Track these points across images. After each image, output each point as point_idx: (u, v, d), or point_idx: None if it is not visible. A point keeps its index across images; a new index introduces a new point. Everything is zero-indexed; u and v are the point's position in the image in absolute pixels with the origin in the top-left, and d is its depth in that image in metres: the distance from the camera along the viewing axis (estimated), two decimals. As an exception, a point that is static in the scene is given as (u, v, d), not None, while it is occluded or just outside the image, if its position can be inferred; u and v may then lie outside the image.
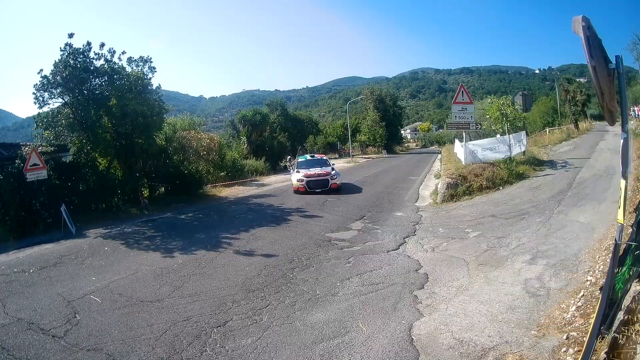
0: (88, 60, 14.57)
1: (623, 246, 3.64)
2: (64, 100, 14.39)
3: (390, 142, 54.37)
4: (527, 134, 18.05)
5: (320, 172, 16.04)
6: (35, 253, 9.33)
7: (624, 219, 3.14)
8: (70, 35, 14.40)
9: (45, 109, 14.38)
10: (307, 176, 15.82)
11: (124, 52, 15.47)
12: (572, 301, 4.65)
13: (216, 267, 7.13)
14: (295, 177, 16.31)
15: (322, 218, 10.72)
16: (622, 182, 3.09)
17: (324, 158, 19.13)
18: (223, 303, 5.45)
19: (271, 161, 33.93)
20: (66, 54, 14.24)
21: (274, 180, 23.33)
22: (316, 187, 15.50)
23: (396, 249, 7.50)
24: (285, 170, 32.54)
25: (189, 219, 12.27)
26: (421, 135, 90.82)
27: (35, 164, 12.55)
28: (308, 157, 19.73)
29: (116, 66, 15.03)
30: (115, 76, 14.77)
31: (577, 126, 35.00)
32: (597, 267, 5.50)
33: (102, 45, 14.97)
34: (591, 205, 9.22)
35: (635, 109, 28.50)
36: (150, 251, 8.58)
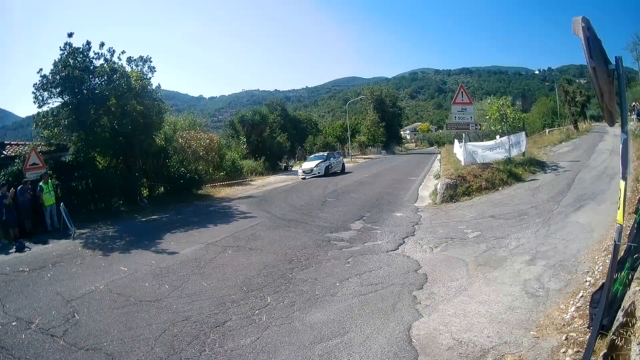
0: (87, 59, 14.57)
1: (623, 247, 3.65)
2: (63, 99, 14.36)
3: (390, 142, 54.42)
4: (526, 135, 18.06)
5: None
6: (34, 252, 9.32)
7: (623, 220, 3.14)
8: (70, 35, 14.39)
9: (45, 108, 14.33)
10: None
11: (123, 52, 15.48)
12: (571, 302, 4.65)
13: (215, 267, 7.12)
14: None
15: (321, 218, 10.72)
16: (622, 183, 3.09)
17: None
18: (222, 303, 5.45)
19: (271, 161, 33.87)
20: (66, 53, 14.23)
21: (273, 181, 23.32)
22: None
23: (395, 249, 7.50)
24: (285, 170, 32.67)
25: (188, 219, 12.26)
26: (420, 135, 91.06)
27: (34, 164, 12.57)
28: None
29: (116, 66, 15.02)
30: (115, 76, 14.75)
31: (576, 127, 35.05)
32: (597, 268, 5.50)
33: (102, 44, 14.97)
34: (590, 206, 9.23)
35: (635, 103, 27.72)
36: (149, 251, 8.58)
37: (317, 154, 26.85)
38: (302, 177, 22.65)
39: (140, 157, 16.62)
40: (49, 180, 12.35)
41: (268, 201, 14.61)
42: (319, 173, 22.57)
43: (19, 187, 11.60)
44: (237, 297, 5.64)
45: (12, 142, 17.18)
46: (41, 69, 14.04)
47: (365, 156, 46.23)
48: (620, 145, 3.11)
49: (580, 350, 3.58)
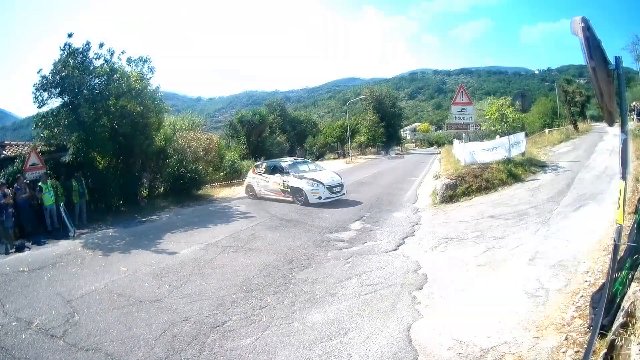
0: (87, 60, 14.54)
1: (622, 247, 3.65)
2: (63, 100, 14.34)
3: (390, 142, 54.45)
4: (526, 135, 18.06)
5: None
6: (34, 253, 9.32)
7: (623, 220, 3.15)
8: (70, 35, 14.37)
9: (45, 108, 14.29)
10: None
11: (123, 52, 15.45)
12: (571, 302, 4.66)
13: (215, 267, 7.12)
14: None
15: (321, 218, 10.72)
16: (621, 183, 3.09)
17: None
18: (222, 303, 5.45)
19: (270, 161, 33.83)
20: (65, 53, 14.21)
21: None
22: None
23: (395, 250, 7.51)
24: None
25: (188, 219, 12.26)
26: (420, 135, 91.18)
27: (34, 164, 12.57)
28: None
29: (115, 66, 15.01)
30: (115, 76, 14.73)
31: (576, 127, 35.07)
32: (596, 268, 5.51)
33: (102, 45, 14.96)
34: (590, 206, 9.24)
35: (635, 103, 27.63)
36: (149, 251, 8.58)
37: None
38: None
39: (140, 157, 16.62)
40: (49, 181, 12.35)
41: (268, 201, 14.61)
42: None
43: (15, 185, 11.59)
44: (237, 297, 5.64)
45: (12, 143, 17.14)
46: (41, 69, 14.02)
47: (365, 156, 46.24)
48: (620, 145, 3.12)
49: (580, 350, 3.58)
